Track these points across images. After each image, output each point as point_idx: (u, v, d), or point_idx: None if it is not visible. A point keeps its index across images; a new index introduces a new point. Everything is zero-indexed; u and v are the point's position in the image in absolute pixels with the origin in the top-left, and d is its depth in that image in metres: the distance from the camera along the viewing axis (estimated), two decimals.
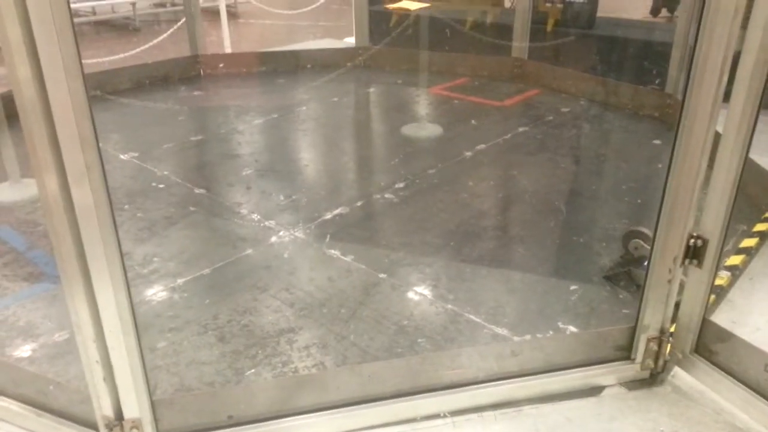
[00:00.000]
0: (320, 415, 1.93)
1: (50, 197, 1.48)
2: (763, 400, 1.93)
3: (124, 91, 5.49)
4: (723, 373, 2.03)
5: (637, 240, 2.69)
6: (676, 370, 2.18)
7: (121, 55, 6.24)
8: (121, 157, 4.08)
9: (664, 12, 7.70)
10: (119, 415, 1.74)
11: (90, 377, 1.67)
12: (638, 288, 2.50)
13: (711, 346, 2.05)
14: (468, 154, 4.07)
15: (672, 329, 2.09)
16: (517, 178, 3.79)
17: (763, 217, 3.17)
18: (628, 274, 2.69)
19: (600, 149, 4.25)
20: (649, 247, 2.33)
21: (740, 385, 1.99)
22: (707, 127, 1.76)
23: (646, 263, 2.43)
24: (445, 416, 2.00)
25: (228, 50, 6.82)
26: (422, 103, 5.28)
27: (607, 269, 2.75)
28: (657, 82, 5.20)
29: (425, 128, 4.60)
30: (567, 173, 3.81)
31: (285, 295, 2.63)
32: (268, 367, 2.22)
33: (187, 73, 5.95)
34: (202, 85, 5.77)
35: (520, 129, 4.50)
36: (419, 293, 2.64)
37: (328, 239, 3.06)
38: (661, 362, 2.12)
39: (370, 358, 2.25)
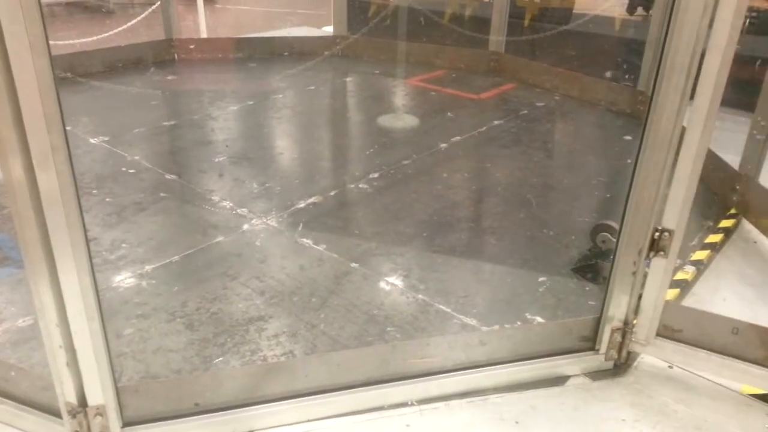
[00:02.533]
0: (288, 403, 1.93)
1: (14, 179, 1.45)
2: (734, 359, 2.04)
3: (96, 74, 5.38)
4: (691, 346, 2.11)
5: (604, 233, 2.75)
6: (639, 361, 2.23)
7: (94, 38, 6.11)
8: (91, 140, 4.00)
9: (640, 10, 7.80)
10: (83, 401, 1.72)
11: (53, 362, 1.65)
12: (605, 280, 2.54)
13: (675, 325, 2.11)
14: (443, 145, 4.08)
15: (635, 321, 2.13)
16: (490, 171, 3.81)
17: (728, 213, 3.25)
18: (595, 267, 2.74)
19: (572, 144, 4.30)
20: (614, 240, 2.38)
21: (710, 352, 2.08)
22: (674, 122, 1.80)
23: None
24: (412, 404, 2.02)
25: (203, 35, 6.72)
26: (399, 93, 5.27)
27: (575, 262, 2.79)
28: (630, 78, 5.28)
29: (401, 119, 4.60)
30: (539, 167, 3.85)
31: (256, 284, 2.61)
32: (236, 355, 2.21)
33: (161, 57, 5.86)
34: (176, 70, 5.68)
35: (495, 122, 4.52)
36: (390, 283, 2.64)
37: (300, 228, 3.05)
38: (624, 353, 2.16)
39: (340, 347, 2.25)
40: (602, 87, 4.97)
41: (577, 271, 2.73)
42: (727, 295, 2.62)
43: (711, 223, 3.15)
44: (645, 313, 2.09)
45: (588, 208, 3.33)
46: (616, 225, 2.64)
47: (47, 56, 1.38)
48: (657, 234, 1.95)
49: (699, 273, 2.78)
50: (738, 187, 3.23)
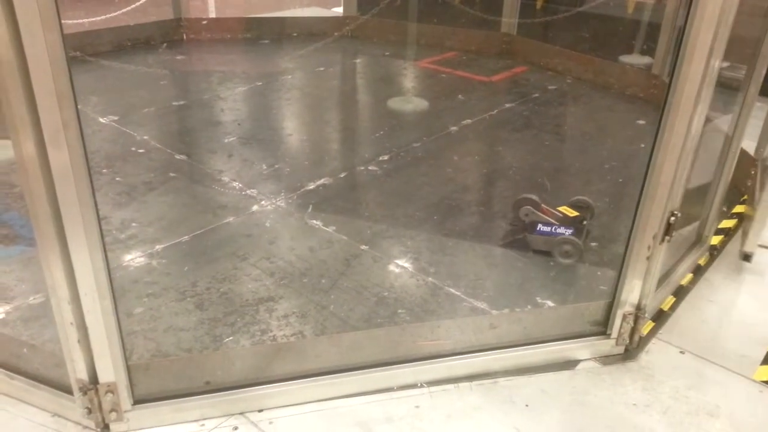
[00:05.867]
0: (298, 383, 1.94)
1: (26, 155, 1.44)
2: None
3: (105, 54, 5.35)
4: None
5: (527, 207, 2.82)
6: (651, 346, 2.22)
7: (103, 17, 6.07)
8: (101, 120, 3.99)
9: None
10: (94, 378, 1.73)
11: (64, 340, 1.65)
12: (534, 253, 2.69)
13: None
14: (453, 128, 4.05)
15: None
16: (501, 154, 3.78)
17: (742, 199, 3.21)
18: (523, 241, 2.77)
19: (584, 128, 4.25)
20: (538, 213, 2.68)
21: None
22: (693, 106, 1.76)
23: (539, 228, 2.69)
24: (422, 386, 2.02)
25: (212, 14, 6.67)
26: (409, 76, 5.22)
27: (503, 237, 2.83)
28: (644, 63, 5.21)
29: (411, 102, 4.56)
30: (551, 150, 3.81)
31: (265, 264, 2.61)
32: (246, 334, 2.22)
33: (170, 36, 5.82)
34: (184, 50, 5.65)
35: (507, 105, 4.48)
36: (400, 266, 2.63)
37: (310, 209, 3.04)
38: (636, 337, 2.15)
39: (350, 329, 2.25)
40: (615, 70, 4.90)
41: (507, 247, 2.77)
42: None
43: (725, 209, 3.12)
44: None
45: (600, 192, 3.29)
46: (537, 198, 2.89)
47: (58, 31, 1.36)
48: (672, 219, 1.93)
49: (713, 258, 2.76)
50: (753, 173, 3.19)
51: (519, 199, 2.93)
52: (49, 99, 1.39)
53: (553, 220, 2.74)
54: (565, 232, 2.67)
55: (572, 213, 2.83)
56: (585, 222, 2.77)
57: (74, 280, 1.57)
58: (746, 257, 2.73)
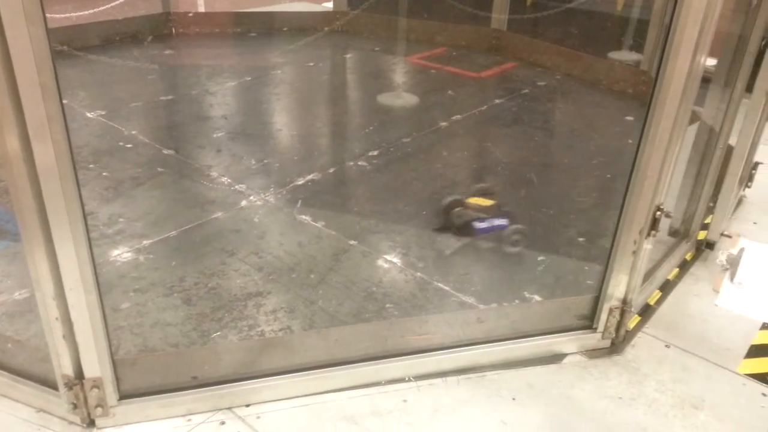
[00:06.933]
0: (286, 378, 1.94)
1: (10, 150, 1.43)
2: None
3: (93, 48, 5.30)
4: None
5: (459, 208, 2.79)
6: (637, 340, 2.24)
7: (91, 11, 6.01)
8: (88, 114, 3.96)
9: None
10: (79, 374, 1.72)
11: (49, 335, 1.64)
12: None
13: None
14: (443, 124, 4.05)
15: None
16: (490, 150, 3.79)
17: None
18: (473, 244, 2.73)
19: (573, 124, 4.26)
20: (472, 215, 2.65)
21: None
22: (679, 101, 1.78)
23: (477, 226, 2.68)
24: (410, 380, 2.03)
25: (201, 9, 6.62)
26: (399, 71, 5.22)
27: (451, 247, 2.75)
28: (633, 59, 5.24)
29: (401, 97, 4.55)
30: (540, 146, 3.83)
31: (254, 259, 2.60)
32: (234, 330, 2.21)
33: (159, 30, 5.77)
34: (173, 44, 5.61)
35: (496, 101, 4.48)
36: (389, 261, 2.64)
37: (299, 205, 3.03)
38: (622, 331, 2.17)
39: (338, 323, 2.25)
40: (604, 66, 4.92)
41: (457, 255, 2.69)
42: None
43: (711, 204, 3.13)
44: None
45: (588, 188, 3.31)
46: (460, 197, 2.84)
47: (42, 24, 1.35)
48: (658, 213, 1.94)
49: (698, 252, 2.79)
50: None
51: (450, 203, 2.86)
52: (33, 92, 1.38)
53: (483, 215, 2.72)
54: (502, 222, 2.67)
55: (487, 202, 2.81)
56: (504, 208, 2.77)
57: (59, 275, 1.56)
58: (708, 245, 2.77)
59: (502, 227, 2.66)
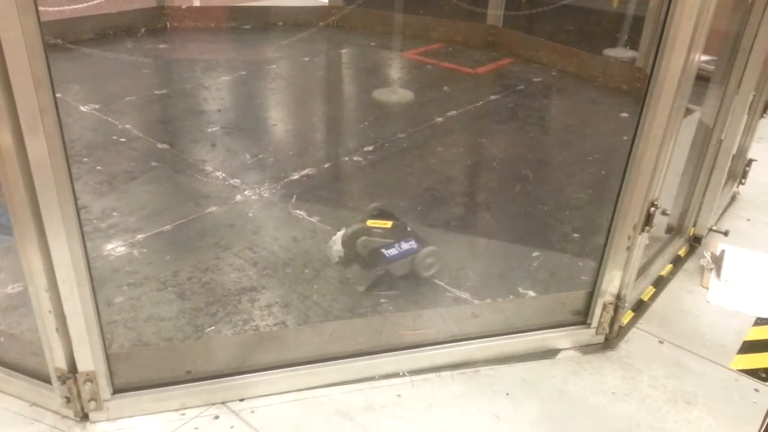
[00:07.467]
0: (280, 372, 1.94)
1: (2, 143, 1.41)
2: None
3: (87, 41, 5.27)
4: None
5: (364, 237, 2.47)
6: (630, 336, 2.24)
7: (85, 4, 5.97)
8: (82, 108, 3.94)
9: None
10: (73, 367, 1.71)
11: (42, 328, 1.64)
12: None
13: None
14: (439, 120, 4.05)
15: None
16: (485, 146, 3.79)
17: None
18: (385, 279, 2.42)
19: (568, 120, 4.27)
20: (378, 242, 2.36)
21: None
22: (673, 97, 1.78)
23: (388, 254, 2.37)
24: (404, 375, 2.03)
25: (196, 3, 6.59)
26: (395, 66, 5.21)
27: (364, 285, 2.42)
28: (628, 56, 5.24)
29: (397, 92, 4.55)
30: (535, 142, 3.83)
31: (248, 254, 2.60)
32: (228, 324, 2.21)
33: (153, 24, 5.74)
34: (168, 38, 5.58)
35: (492, 97, 4.48)
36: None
37: (294, 199, 3.03)
38: (616, 327, 2.18)
39: (333, 318, 2.25)
40: (600, 63, 4.93)
41: (375, 288, 2.40)
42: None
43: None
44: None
45: (582, 184, 3.32)
46: (371, 226, 2.50)
47: (35, 15, 1.33)
48: (652, 209, 1.95)
49: (692, 249, 2.80)
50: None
51: (354, 231, 2.49)
52: (26, 85, 1.37)
53: (390, 240, 2.43)
54: (411, 245, 2.43)
55: (387, 224, 2.52)
56: (408, 227, 2.55)
57: (52, 268, 1.55)
58: (696, 240, 2.78)
59: (413, 251, 2.41)
